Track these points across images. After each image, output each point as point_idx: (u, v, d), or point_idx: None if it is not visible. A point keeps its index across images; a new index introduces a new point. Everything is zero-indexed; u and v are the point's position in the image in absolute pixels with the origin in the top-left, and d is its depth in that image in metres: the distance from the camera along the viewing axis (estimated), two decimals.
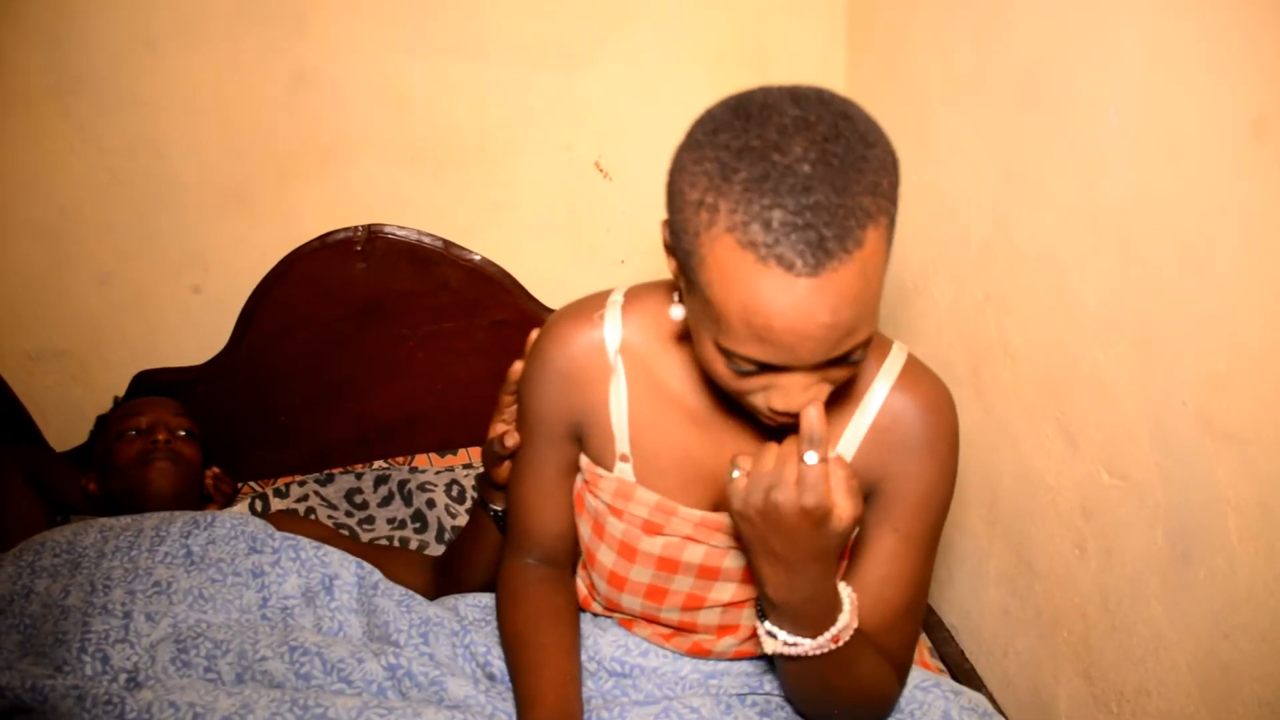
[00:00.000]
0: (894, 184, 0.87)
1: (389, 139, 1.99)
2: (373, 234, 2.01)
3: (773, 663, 1.31)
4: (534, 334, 1.29)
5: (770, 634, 1.03)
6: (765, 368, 0.91)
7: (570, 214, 2.11)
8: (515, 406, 1.39)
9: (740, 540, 0.96)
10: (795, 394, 0.93)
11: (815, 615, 1.00)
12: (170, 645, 1.28)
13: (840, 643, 1.02)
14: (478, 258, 2.06)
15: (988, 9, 1.56)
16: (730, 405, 1.13)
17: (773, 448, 0.94)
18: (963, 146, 1.67)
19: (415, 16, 1.91)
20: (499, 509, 1.47)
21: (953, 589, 1.87)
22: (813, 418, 0.91)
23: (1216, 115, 1.13)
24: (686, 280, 0.93)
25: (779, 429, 0.99)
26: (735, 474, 0.94)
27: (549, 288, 2.10)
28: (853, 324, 0.86)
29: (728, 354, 0.91)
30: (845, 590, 1.03)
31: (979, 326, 1.66)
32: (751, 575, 1.03)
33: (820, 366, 0.91)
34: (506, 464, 1.40)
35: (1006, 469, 1.63)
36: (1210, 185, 1.15)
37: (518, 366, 1.33)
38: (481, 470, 1.49)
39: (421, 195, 2.04)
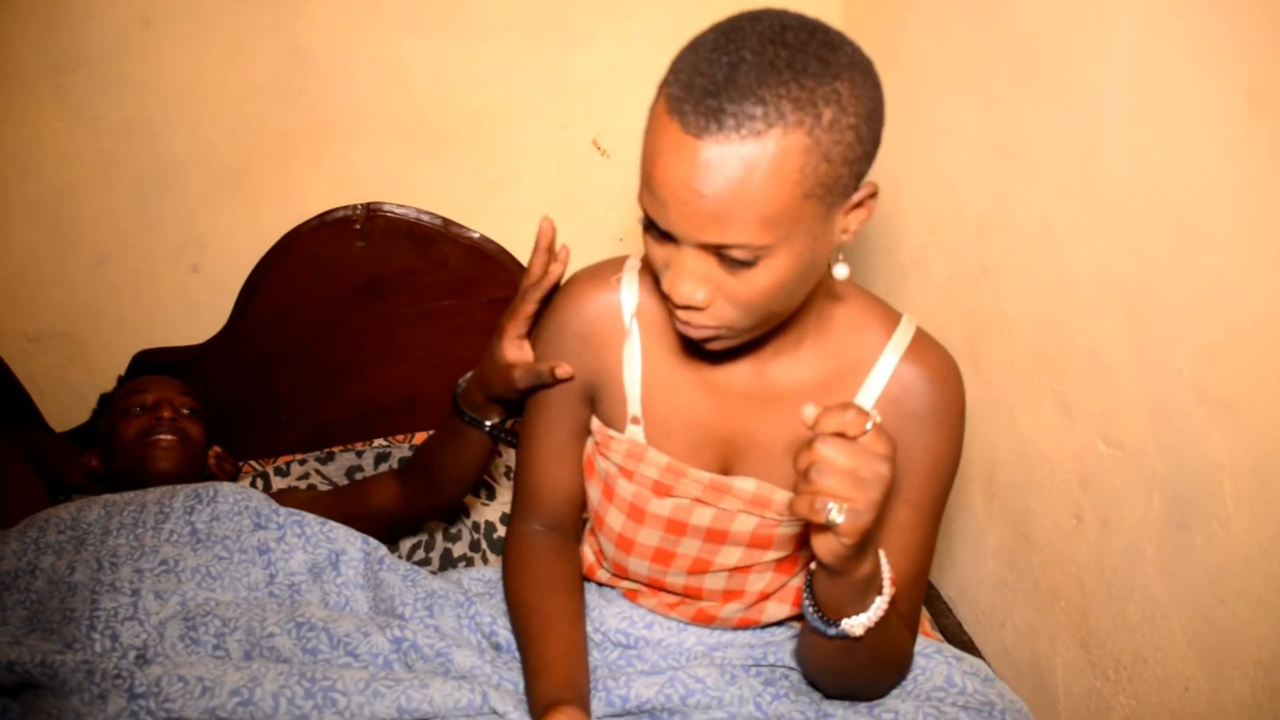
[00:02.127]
0: (840, 125, 0.88)
1: (387, 118, 1.99)
2: (372, 212, 2.01)
3: (775, 634, 1.32)
4: (546, 222, 1.27)
5: (839, 629, 1.03)
6: (664, 236, 0.95)
7: (568, 192, 2.11)
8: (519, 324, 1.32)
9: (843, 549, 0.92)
10: (680, 278, 0.95)
11: (875, 580, 1.01)
12: (179, 623, 1.29)
13: (888, 603, 1.03)
14: (476, 235, 2.06)
15: None
16: (741, 375, 1.15)
17: (825, 459, 0.89)
18: (959, 124, 1.67)
19: None
20: (494, 421, 1.42)
21: (951, 562, 1.89)
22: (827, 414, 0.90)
23: (1212, 89, 1.14)
24: None
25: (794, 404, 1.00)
26: (831, 508, 0.89)
27: None
28: (723, 209, 0.88)
29: (643, 208, 0.95)
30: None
31: (976, 300, 1.67)
32: (825, 574, 1.00)
33: (702, 250, 0.93)
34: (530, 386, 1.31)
35: (1004, 441, 1.64)
36: (1206, 158, 1.16)
37: (545, 227, 1.28)
38: (478, 385, 1.42)
39: (419, 174, 2.03)
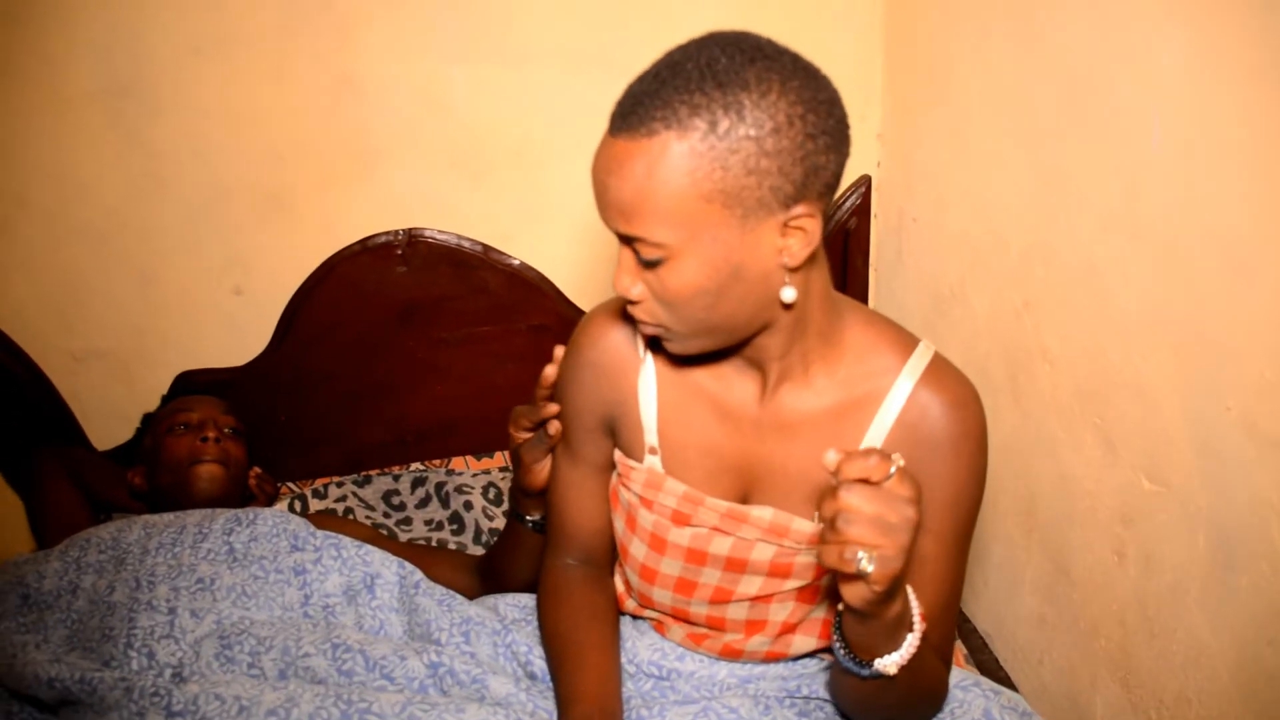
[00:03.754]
0: (736, 135, 0.93)
1: (430, 144, 2.01)
2: (413, 238, 2.03)
3: (808, 665, 1.31)
4: (559, 350, 1.34)
5: (873, 670, 1.02)
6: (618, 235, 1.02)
7: None
8: (535, 415, 1.40)
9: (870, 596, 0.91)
10: (619, 271, 1.04)
11: (905, 618, 1.00)
12: (214, 641, 1.30)
13: (920, 640, 1.02)
14: (516, 262, 2.08)
15: (1027, 21, 1.56)
16: (751, 402, 1.17)
17: (850, 507, 0.88)
18: (1001, 155, 1.67)
19: (456, 24, 1.93)
20: (535, 518, 1.48)
21: (988, 597, 1.87)
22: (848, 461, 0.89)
23: (1263, 122, 1.13)
24: None
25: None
26: (862, 558, 0.87)
27: (587, 293, 2.12)
28: (624, 202, 0.96)
29: None
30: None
31: (1017, 333, 1.66)
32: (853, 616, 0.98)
33: (626, 245, 1.01)
34: (543, 469, 1.41)
35: (1044, 476, 1.63)
36: (1255, 191, 1.15)
37: (549, 372, 1.35)
38: (513, 480, 1.50)
39: (461, 200, 2.05)
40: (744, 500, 1.20)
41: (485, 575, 1.62)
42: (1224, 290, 1.21)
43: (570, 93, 2.00)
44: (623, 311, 1.22)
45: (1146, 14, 1.29)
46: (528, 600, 1.45)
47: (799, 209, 0.97)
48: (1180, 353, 1.29)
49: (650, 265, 0.99)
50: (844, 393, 1.13)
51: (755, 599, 1.23)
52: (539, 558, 1.40)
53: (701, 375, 1.18)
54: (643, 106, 0.94)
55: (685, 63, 0.95)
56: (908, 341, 1.15)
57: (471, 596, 1.51)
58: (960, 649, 1.70)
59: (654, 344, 1.19)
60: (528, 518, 1.49)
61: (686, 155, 0.93)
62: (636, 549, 1.24)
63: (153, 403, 2.01)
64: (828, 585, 1.20)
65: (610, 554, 1.35)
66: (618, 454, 1.26)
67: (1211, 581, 1.27)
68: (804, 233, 0.99)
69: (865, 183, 2.11)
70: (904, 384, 1.12)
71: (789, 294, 1.03)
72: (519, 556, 1.52)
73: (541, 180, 2.07)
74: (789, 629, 1.25)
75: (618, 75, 2.02)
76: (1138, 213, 1.34)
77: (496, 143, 2.03)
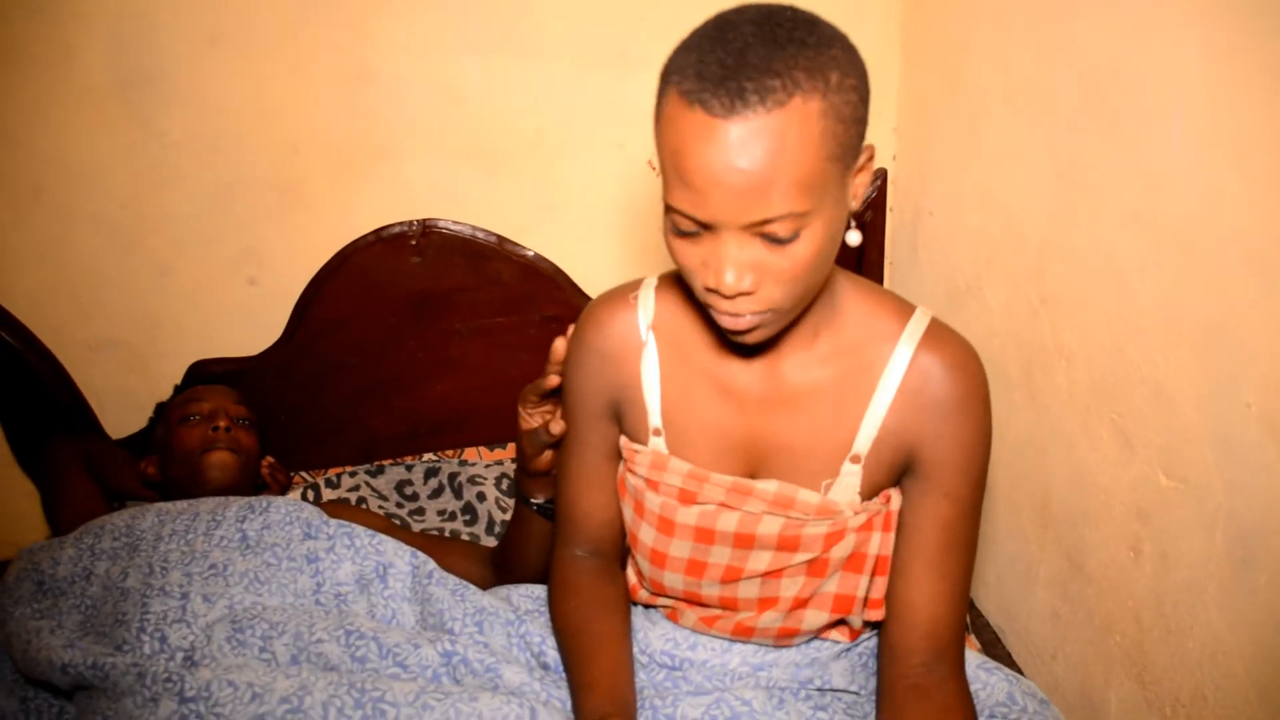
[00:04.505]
0: (845, 86, 0.93)
1: (444, 136, 2.01)
2: (427, 228, 2.03)
3: (821, 652, 1.31)
4: (571, 327, 1.33)
5: None
6: (695, 235, 0.97)
7: (623, 212, 2.12)
8: (547, 405, 1.42)
9: None
10: (725, 267, 0.96)
11: None
12: (226, 625, 1.30)
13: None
14: (530, 254, 2.08)
15: (1046, 16, 1.55)
16: (756, 378, 1.17)
17: None
18: (1019, 150, 1.66)
19: (472, 16, 1.93)
20: (540, 501, 1.48)
21: (1001, 591, 1.87)
22: None
23: None
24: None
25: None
26: None
27: (600, 285, 2.10)
28: (764, 182, 0.91)
29: (669, 211, 0.97)
30: None
31: (1033, 329, 1.65)
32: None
33: (745, 230, 0.94)
34: (547, 452, 1.41)
35: (1059, 471, 1.62)
36: (1276, 187, 1.14)
37: (559, 346, 1.35)
38: (518, 463, 1.51)
39: (475, 192, 2.05)
40: (752, 477, 1.21)
41: (498, 566, 1.62)
42: (1244, 286, 1.20)
43: (585, 85, 2.00)
44: (633, 298, 1.23)
45: (1168, 8, 1.28)
46: (540, 591, 1.45)
47: (865, 150, 1.00)
48: (1199, 349, 1.28)
49: (780, 243, 0.95)
50: (846, 361, 1.14)
51: (765, 575, 1.23)
52: (549, 545, 1.41)
53: (705, 356, 1.19)
54: (753, 80, 0.89)
55: (763, 32, 0.92)
56: (905, 307, 1.16)
57: (484, 587, 1.51)
58: (974, 642, 1.70)
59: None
60: (533, 500, 1.49)
61: (816, 115, 0.91)
62: (645, 534, 1.25)
63: (166, 392, 2.01)
64: (839, 560, 1.20)
65: (619, 545, 1.35)
66: (623, 439, 1.27)
67: (1229, 579, 1.27)
68: (867, 171, 1.01)
69: (881, 176, 2.10)
70: (904, 349, 1.13)
71: (855, 237, 1.04)
72: (528, 543, 1.52)
73: (556, 172, 2.07)
74: (800, 604, 1.25)
75: (633, 68, 2.02)
76: (1157, 208, 1.33)
77: (511, 134, 2.03)
